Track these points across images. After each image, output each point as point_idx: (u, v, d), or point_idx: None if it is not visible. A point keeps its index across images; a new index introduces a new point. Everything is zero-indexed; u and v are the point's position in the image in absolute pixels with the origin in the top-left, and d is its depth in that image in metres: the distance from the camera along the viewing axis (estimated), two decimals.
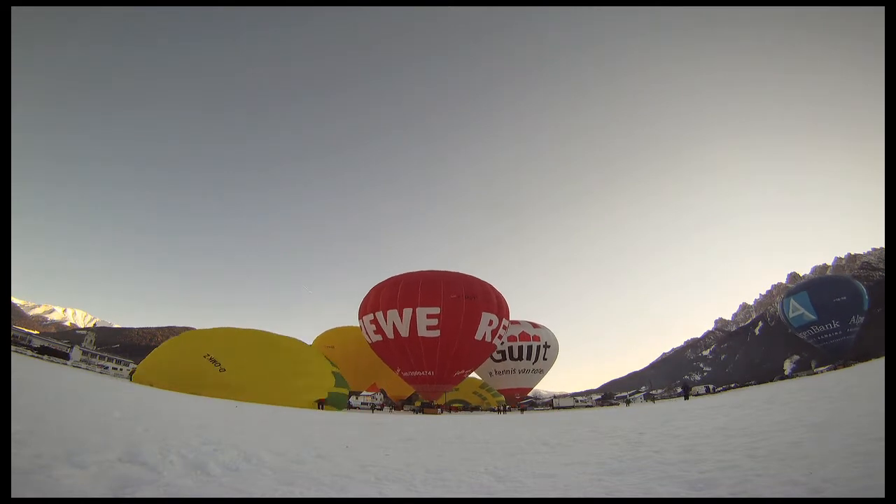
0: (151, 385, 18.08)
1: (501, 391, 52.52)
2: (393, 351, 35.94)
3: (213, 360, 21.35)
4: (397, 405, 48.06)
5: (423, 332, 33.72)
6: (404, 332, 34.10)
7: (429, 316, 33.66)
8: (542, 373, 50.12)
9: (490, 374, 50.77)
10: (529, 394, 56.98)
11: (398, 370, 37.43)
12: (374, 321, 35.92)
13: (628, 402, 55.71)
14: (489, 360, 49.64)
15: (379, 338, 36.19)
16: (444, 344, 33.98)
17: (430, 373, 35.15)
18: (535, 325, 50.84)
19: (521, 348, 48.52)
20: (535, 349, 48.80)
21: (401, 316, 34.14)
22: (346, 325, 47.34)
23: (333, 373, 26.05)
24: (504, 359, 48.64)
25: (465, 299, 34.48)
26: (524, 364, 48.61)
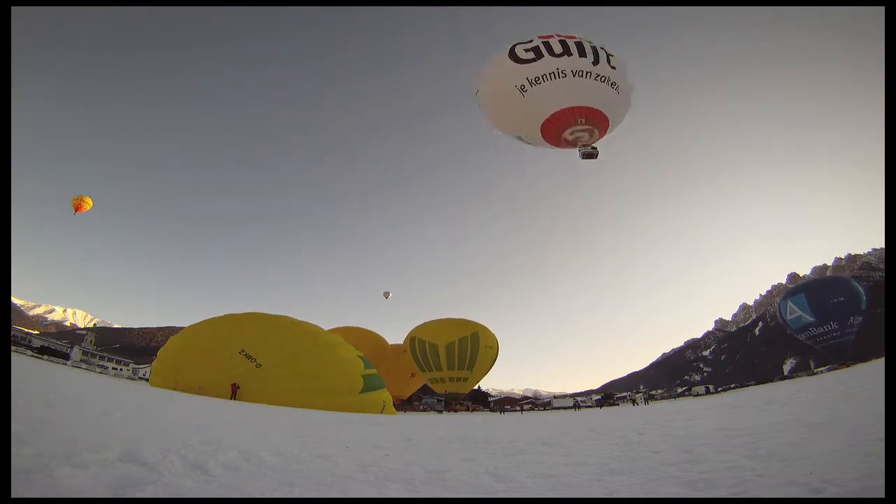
0: (200, 391, 17.70)
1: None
2: None
3: (248, 356, 20.73)
4: (396, 406, 48.31)
5: None
6: None
7: None
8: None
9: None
10: (530, 394, 57.46)
11: None
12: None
13: (614, 404, 56.51)
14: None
15: None
16: None
17: None
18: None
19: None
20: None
21: None
22: (346, 325, 47.43)
23: (359, 356, 25.52)
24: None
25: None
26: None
